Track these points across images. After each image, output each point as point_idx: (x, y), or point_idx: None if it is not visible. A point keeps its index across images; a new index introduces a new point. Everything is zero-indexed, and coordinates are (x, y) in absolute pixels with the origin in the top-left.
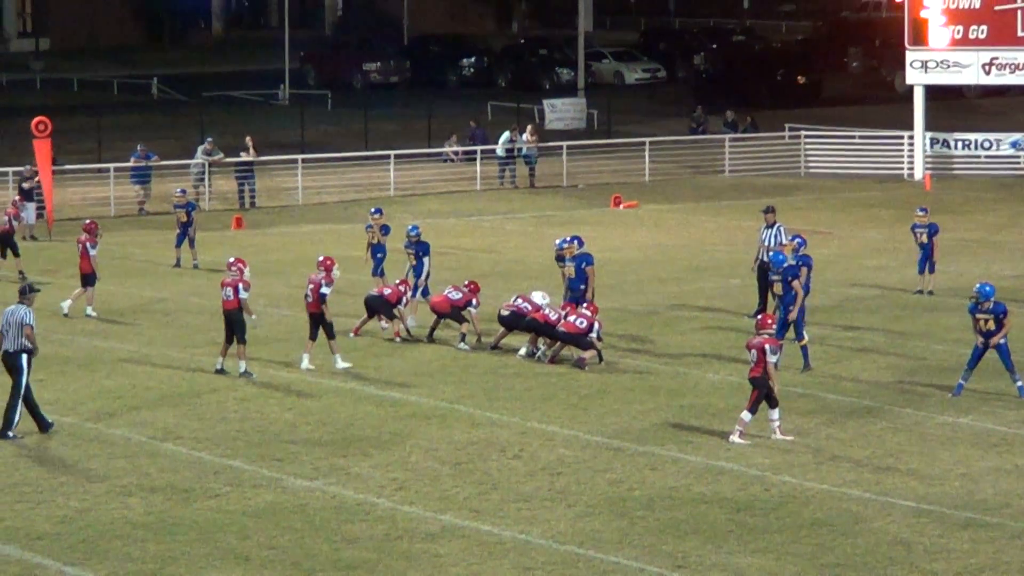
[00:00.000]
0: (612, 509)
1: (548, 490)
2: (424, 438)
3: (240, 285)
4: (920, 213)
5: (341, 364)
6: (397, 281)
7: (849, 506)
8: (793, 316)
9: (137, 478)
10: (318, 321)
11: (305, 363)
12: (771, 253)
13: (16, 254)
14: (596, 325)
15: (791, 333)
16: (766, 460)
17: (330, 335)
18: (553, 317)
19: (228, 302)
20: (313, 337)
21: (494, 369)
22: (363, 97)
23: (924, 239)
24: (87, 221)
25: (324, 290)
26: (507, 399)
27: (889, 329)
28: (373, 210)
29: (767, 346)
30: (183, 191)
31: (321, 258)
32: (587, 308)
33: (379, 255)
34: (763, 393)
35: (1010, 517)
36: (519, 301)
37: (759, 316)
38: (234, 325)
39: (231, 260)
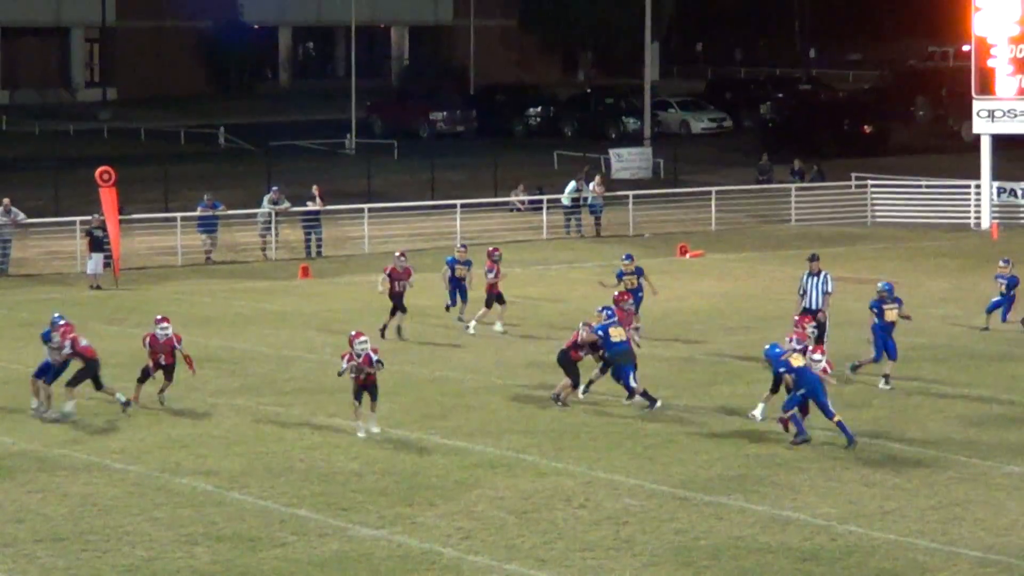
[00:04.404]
0: (678, 559)
1: (614, 539)
2: (490, 487)
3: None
4: (1003, 264)
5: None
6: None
7: (915, 556)
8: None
9: (203, 527)
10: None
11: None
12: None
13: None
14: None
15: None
16: (832, 510)
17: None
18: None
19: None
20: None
21: (559, 418)
22: (429, 146)
23: (1003, 289)
24: (491, 248)
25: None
26: (573, 448)
27: (956, 379)
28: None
29: None
30: (465, 246)
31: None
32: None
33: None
34: None
35: None
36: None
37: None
38: (371, 390)
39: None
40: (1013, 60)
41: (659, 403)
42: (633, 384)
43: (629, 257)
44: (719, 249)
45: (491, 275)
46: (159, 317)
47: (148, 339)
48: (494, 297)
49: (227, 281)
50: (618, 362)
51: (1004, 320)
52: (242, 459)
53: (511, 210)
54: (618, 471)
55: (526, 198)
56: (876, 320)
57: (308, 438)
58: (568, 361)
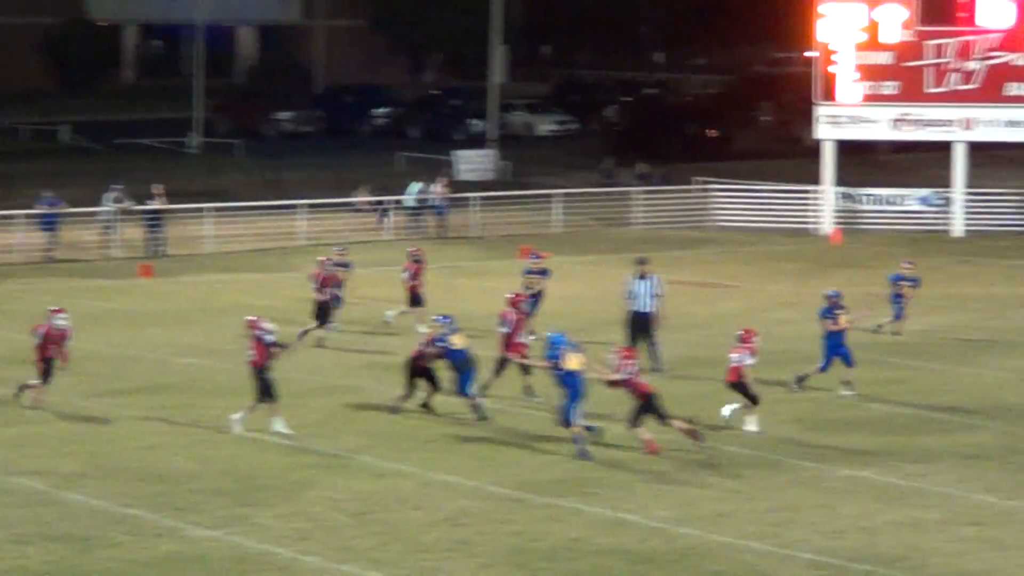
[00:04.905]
0: (514, 561)
1: (450, 541)
2: (327, 488)
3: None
4: (906, 265)
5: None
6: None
7: (750, 559)
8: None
9: (36, 526)
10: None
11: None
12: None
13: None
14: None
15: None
16: (668, 512)
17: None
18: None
19: (255, 360)
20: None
21: (397, 420)
22: (275, 146)
23: (904, 290)
24: (412, 248)
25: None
26: (411, 449)
27: (792, 382)
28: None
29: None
30: (344, 248)
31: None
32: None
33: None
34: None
35: (908, 570)
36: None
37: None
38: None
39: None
40: (858, 67)
41: (488, 419)
42: (470, 392)
43: (537, 256)
44: (562, 252)
45: (405, 275)
46: (54, 308)
47: (44, 331)
48: (414, 297)
49: (68, 280)
50: (461, 368)
51: (900, 317)
52: (77, 459)
53: (356, 211)
54: (455, 473)
55: (369, 199)
56: (830, 328)
57: (145, 438)
58: (413, 370)
